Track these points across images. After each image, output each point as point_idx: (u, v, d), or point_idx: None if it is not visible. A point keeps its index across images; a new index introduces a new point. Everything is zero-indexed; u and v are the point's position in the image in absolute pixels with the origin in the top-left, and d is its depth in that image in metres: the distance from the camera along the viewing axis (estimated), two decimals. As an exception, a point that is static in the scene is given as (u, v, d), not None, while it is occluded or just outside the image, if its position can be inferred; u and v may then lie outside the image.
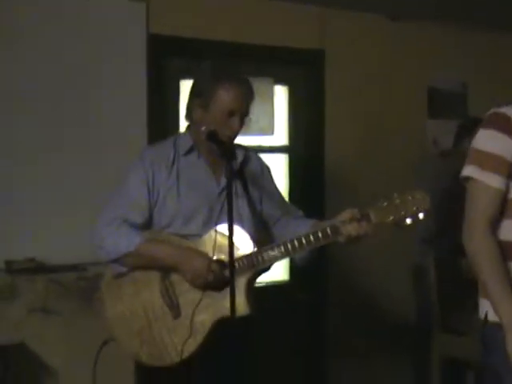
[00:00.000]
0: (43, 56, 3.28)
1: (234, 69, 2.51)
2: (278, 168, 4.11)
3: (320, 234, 2.36)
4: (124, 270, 2.39)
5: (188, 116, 2.52)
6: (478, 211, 2.11)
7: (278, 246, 2.38)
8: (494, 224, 2.12)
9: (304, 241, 2.36)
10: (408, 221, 2.33)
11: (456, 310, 3.43)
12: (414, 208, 2.33)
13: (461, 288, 3.38)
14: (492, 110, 2.18)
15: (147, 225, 2.42)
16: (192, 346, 2.31)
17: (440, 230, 3.02)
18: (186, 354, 2.31)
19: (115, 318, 2.39)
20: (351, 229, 2.34)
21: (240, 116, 2.44)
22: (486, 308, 2.12)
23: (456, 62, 4.54)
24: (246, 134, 3.92)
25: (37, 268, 3.21)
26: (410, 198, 2.34)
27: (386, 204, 2.35)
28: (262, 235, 2.54)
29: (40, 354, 3.22)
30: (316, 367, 4.09)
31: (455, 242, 3.25)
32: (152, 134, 3.43)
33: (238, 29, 3.78)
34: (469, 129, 4.08)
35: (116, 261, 2.37)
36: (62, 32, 3.32)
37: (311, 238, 2.36)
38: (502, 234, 2.13)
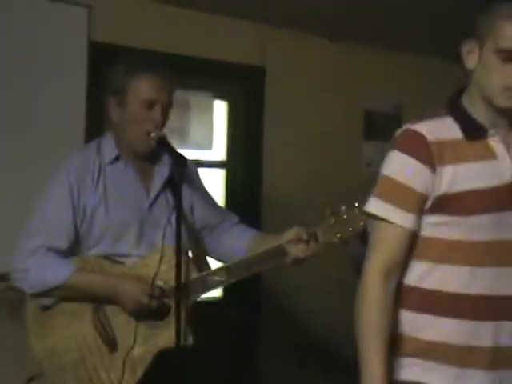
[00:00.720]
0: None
1: (148, 58, 2.34)
2: (216, 183, 4.09)
3: (267, 256, 2.23)
4: (49, 300, 2.19)
5: (107, 119, 2.33)
6: (378, 255, 1.80)
7: (221, 270, 2.24)
8: (397, 270, 1.81)
9: (249, 264, 2.22)
10: (354, 235, 2.26)
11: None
12: (362, 223, 2.24)
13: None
14: (404, 127, 1.87)
15: (73, 246, 2.22)
16: (131, 381, 2.14)
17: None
18: None
19: (45, 353, 2.21)
20: (298, 250, 2.23)
21: (161, 107, 2.23)
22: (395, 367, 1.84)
23: (391, 84, 4.62)
24: (184, 147, 3.95)
25: (-39, 278, 3.09)
26: (357, 211, 2.25)
27: (333, 221, 2.25)
28: (197, 251, 2.38)
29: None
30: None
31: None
32: (89, 139, 3.35)
33: (180, 41, 3.75)
34: None
35: (41, 294, 2.18)
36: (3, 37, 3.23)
37: (257, 260, 2.23)
38: (407, 278, 1.84)
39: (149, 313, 2.15)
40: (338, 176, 4.38)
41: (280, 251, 2.23)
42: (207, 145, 3.99)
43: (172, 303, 2.10)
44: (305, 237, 2.23)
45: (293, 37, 4.18)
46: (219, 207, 2.58)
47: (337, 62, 4.40)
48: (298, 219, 4.12)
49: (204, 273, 2.24)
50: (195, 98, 3.98)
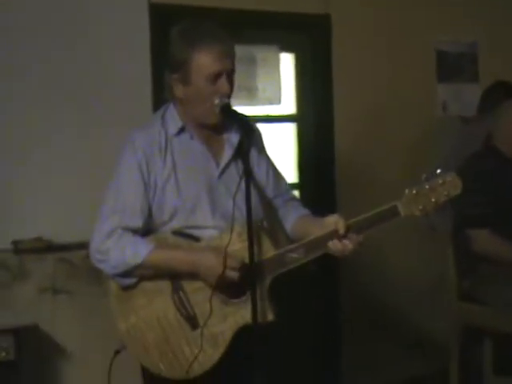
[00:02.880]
0: (43, 27, 3.23)
1: (204, 28, 2.21)
2: (287, 137, 4.04)
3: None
4: (131, 280, 2.22)
5: (170, 93, 2.24)
6: None
7: (299, 247, 2.19)
8: None
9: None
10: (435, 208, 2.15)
11: (470, 279, 3.37)
12: (445, 193, 2.13)
13: (472, 259, 3.31)
14: None
15: (148, 223, 2.23)
16: (214, 356, 2.17)
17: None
18: (208, 365, 2.17)
19: (129, 331, 2.23)
20: (339, 245, 2.15)
21: (227, 75, 2.16)
22: None
23: (464, 21, 4.43)
24: (253, 103, 3.90)
25: (45, 247, 3.18)
26: (440, 181, 2.14)
27: (414, 192, 2.15)
28: (273, 221, 2.35)
29: (52, 335, 3.19)
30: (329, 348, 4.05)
31: (467, 211, 3.20)
32: (157, 106, 3.35)
33: (241, -4, 3.69)
34: (496, 94, 3.96)
35: (123, 274, 2.20)
36: (61, 3, 3.27)
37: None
38: None
39: (230, 285, 2.15)
40: (412, 121, 4.27)
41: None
42: (276, 99, 3.92)
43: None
44: (342, 231, 2.15)
45: (355, -20, 4.05)
46: (280, 176, 2.48)
47: (404, 2, 4.24)
48: (372, 168, 4.10)
49: (281, 250, 2.20)
50: (261, 52, 3.91)
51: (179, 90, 2.20)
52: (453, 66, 4.49)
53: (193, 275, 2.18)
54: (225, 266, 2.11)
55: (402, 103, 4.25)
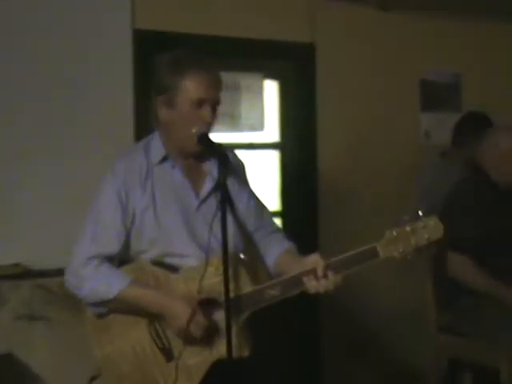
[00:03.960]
0: (26, 52, 3.21)
1: (195, 56, 2.23)
2: (270, 165, 4.03)
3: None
4: (104, 309, 2.21)
5: (155, 118, 2.26)
6: None
7: (275, 284, 2.16)
8: None
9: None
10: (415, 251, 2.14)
11: (450, 312, 3.32)
12: (426, 236, 2.13)
13: (451, 290, 3.28)
14: None
15: (126, 249, 2.22)
16: None
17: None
18: None
19: (104, 359, 2.22)
20: (316, 285, 2.12)
21: (211, 105, 2.20)
22: None
23: (449, 52, 4.45)
24: (236, 130, 3.89)
25: (22, 273, 3.12)
26: (421, 224, 2.14)
27: (395, 234, 2.14)
28: (252, 255, 2.32)
29: (28, 363, 3.12)
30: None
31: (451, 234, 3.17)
32: (138, 132, 3.34)
33: (226, 23, 3.69)
34: (470, 125, 3.97)
35: (95, 304, 2.19)
36: (46, 27, 3.25)
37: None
38: None
39: (194, 339, 2.14)
40: (396, 149, 4.28)
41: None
42: (259, 126, 3.92)
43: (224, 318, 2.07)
44: (321, 271, 2.12)
45: (340, 9, 4.06)
46: (263, 209, 2.45)
47: (389, 31, 4.27)
48: (355, 197, 4.09)
49: (258, 287, 2.18)
50: (245, 79, 3.91)
51: (163, 113, 2.22)
52: (436, 96, 4.51)
53: (161, 317, 2.16)
54: (190, 321, 2.09)
55: (386, 132, 4.26)
